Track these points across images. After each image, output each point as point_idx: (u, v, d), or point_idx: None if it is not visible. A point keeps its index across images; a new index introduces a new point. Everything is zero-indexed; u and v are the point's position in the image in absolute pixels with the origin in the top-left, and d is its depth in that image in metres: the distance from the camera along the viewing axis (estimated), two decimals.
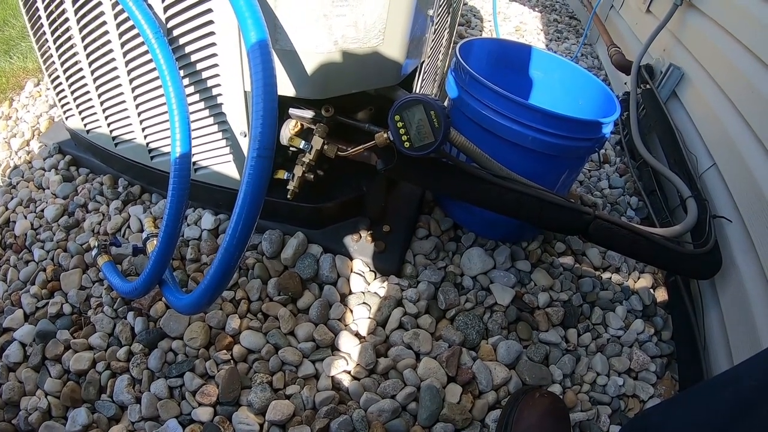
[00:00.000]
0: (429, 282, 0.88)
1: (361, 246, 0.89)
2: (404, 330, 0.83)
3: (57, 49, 0.87)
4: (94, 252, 0.81)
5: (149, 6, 0.68)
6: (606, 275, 1.00)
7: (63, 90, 0.94)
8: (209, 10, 0.66)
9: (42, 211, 0.95)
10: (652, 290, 0.99)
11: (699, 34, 1.29)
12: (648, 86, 1.29)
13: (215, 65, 0.71)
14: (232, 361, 0.76)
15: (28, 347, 0.76)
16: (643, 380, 0.86)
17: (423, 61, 0.89)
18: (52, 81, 0.96)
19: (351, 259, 0.89)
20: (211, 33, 0.68)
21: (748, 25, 1.10)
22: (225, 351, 0.76)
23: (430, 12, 0.82)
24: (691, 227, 0.89)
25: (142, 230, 0.91)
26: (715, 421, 0.50)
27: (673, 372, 0.89)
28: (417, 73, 0.90)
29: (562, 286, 0.94)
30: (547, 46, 2.11)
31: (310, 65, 0.67)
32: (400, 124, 0.71)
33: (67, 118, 1.00)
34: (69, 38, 0.83)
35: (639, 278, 1.01)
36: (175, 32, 0.70)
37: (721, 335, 0.85)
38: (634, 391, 0.84)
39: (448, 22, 1.11)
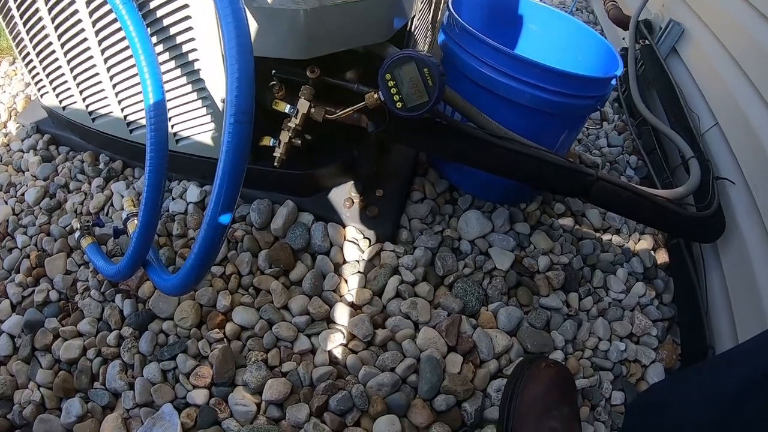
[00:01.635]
0: (425, 248, 0.83)
1: (353, 212, 0.84)
2: (401, 299, 0.78)
3: (24, 24, 0.79)
4: (77, 234, 0.76)
5: None
6: (606, 237, 0.95)
7: (35, 67, 0.87)
8: None
9: (23, 195, 0.89)
10: (652, 252, 0.94)
11: None
12: (647, 42, 1.20)
13: (189, 28, 0.64)
14: (225, 339, 0.72)
15: (17, 339, 0.71)
16: (644, 345, 0.82)
17: (414, 16, 0.81)
18: (23, 58, 0.88)
19: (344, 226, 0.83)
20: (186, 5, 0.60)
21: None
22: (217, 330, 0.72)
23: None
24: (694, 189, 0.84)
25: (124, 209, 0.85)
26: (722, 396, 0.47)
27: (674, 335, 0.85)
28: (408, 28, 0.82)
29: (562, 249, 0.89)
30: None
31: (291, 23, 0.60)
32: (391, 83, 0.64)
33: (42, 96, 0.92)
34: (36, 12, 0.75)
35: (639, 240, 0.96)
36: (150, 5, 0.62)
37: (723, 298, 0.81)
38: (636, 356, 0.80)
39: None
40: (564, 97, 0.73)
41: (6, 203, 0.88)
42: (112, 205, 0.86)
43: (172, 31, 0.66)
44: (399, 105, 0.65)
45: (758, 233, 0.78)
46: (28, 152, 0.96)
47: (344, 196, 0.85)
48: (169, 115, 0.77)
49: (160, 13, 0.64)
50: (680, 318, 0.87)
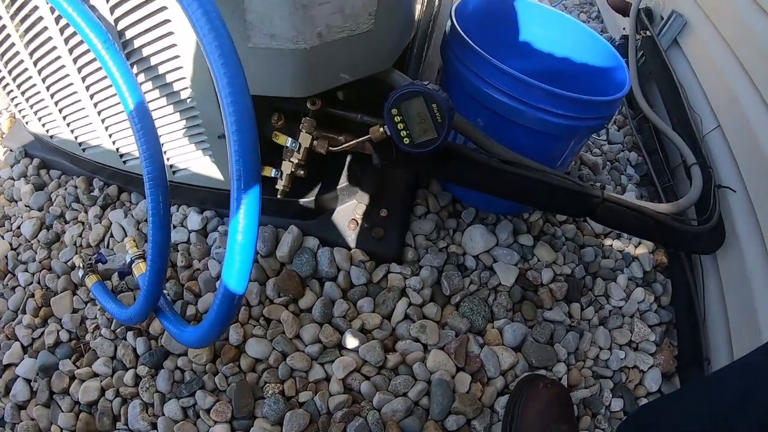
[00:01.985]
0: (431, 267, 0.83)
1: (358, 234, 0.83)
2: (411, 321, 0.79)
3: (1, 56, 0.74)
4: (80, 273, 0.75)
5: (93, 8, 0.55)
6: (607, 242, 0.96)
7: (16, 97, 0.82)
8: (163, 8, 0.54)
9: (19, 228, 0.87)
10: (651, 254, 0.96)
11: None
12: (648, 33, 1.17)
13: (179, 68, 0.60)
14: (240, 373, 0.73)
15: (33, 383, 0.71)
16: (642, 351, 0.85)
17: (415, 33, 0.77)
18: (3, 87, 0.83)
19: (349, 249, 0.83)
20: (170, 33, 0.56)
21: None
22: (232, 364, 0.73)
23: None
24: (695, 200, 0.84)
25: (126, 236, 0.84)
26: (715, 412, 0.49)
27: (672, 338, 0.88)
28: (409, 47, 0.79)
29: (564, 259, 0.90)
30: None
31: (290, 62, 0.57)
32: (398, 119, 0.62)
33: (26, 123, 0.88)
34: (12, 46, 0.70)
35: (639, 243, 0.97)
36: (128, 34, 0.58)
37: (720, 307, 0.84)
38: (634, 363, 0.83)
39: None
40: (570, 120, 0.71)
41: (3, 238, 0.86)
42: (112, 236, 0.84)
43: (161, 70, 0.62)
44: (406, 141, 0.63)
45: (756, 243, 0.79)
46: (19, 180, 0.93)
47: (348, 217, 0.84)
48: (164, 148, 0.74)
49: (146, 52, 0.60)
50: (678, 320, 0.90)
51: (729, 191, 0.87)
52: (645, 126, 1.11)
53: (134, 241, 0.73)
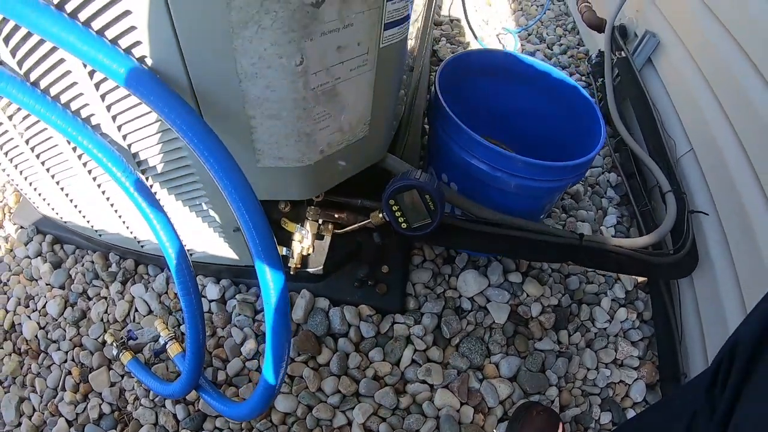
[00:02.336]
0: (431, 313, 0.96)
1: (364, 292, 0.95)
2: (417, 365, 0.92)
3: (11, 156, 0.82)
4: (114, 351, 0.86)
5: (104, 135, 0.64)
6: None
7: (23, 188, 0.90)
8: (176, 139, 0.62)
9: (44, 307, 0.97)
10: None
11: None
12: (623, 54, 1.26)
13: (195, 182, 0.70)
14: (273, 427, 0.86)
15: None
16: (627, 366, 1.00)
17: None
18: (8, 176, 0.90)
19: (357, 305, 0.95)
20: (183, 158, 0.65)
21: None
22: (265, 420, 0.85)
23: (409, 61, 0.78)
24: (669, 229, 0.96)
25: (150, 311, 0.94)
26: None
27: (654, 350, 1.02)
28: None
29: (551, 291, 1.03)
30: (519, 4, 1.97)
31: (297, 176, 0.67)
32: (395, 208, 0.73)
33: (37, 207, 0.96)
34: (21, 150, 0.78)
35: None
36: (142, 155, 0.67)
37: (696, 324, 0.97)
38: (620, 378, 0.98)
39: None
40: (546, 183, 0.82)
41: (30, 318, 0.96)
42: (136, 310, 0.94)
43: (181, 190, 0.71)
44: (404, 226, 0.74)
45: (727, 263, 0.91)
46: (36, 258, 1.02)
47: (353, 277, 0.95)
48: (183, 239, 0.83)
49: (166, 177, 0.69)
50: (658, 343, 1.03)
51: (702, 214, 0.99)
52: (623, 148, 1.21)
53: (164, 322, 0.84)
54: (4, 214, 1.10)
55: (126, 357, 0.86)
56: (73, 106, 0.64)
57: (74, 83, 0.61)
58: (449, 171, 0.88)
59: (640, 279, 1.09)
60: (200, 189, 0.71)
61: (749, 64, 0.95)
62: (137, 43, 0.52)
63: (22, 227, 1.06)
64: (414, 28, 0.76)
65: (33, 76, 0.61)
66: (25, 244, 1.04)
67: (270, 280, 0.56)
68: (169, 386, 0.78)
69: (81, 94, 0.62)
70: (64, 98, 0.63)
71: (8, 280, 1.01)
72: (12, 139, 0.78)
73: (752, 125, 0.92)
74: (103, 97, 0.61)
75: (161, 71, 0.54)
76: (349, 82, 0.59)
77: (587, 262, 0.90)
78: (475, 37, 1.60)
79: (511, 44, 1.69)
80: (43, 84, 0.62)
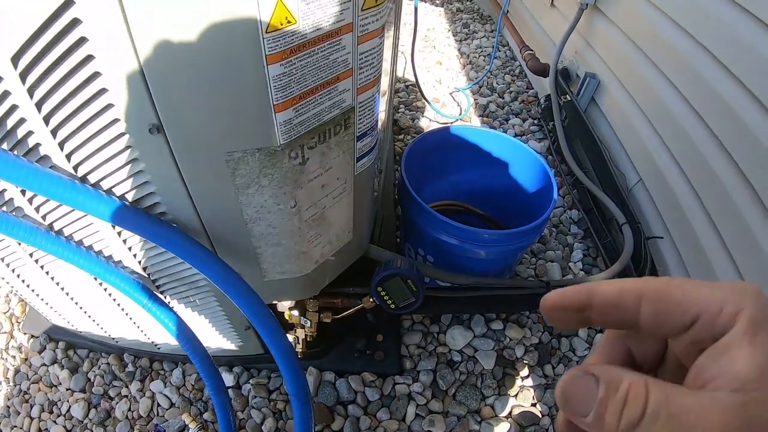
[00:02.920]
0: (427, 370, 1.11)
1: (364, 360, 1.10)
2: (421, 418, 1.07)
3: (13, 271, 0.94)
4: None
5: (124, 267, 0.78)
6: None
7: (32, 302, 1.02)
8: (196, 274, 0.77)
9: (68, 411, 1.08)
10: None
11: (607, 40, 1.44)
12: (569, 98, 1.45)
13: (212, 301, 0.84)
14: None
15: None
16: None
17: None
18: (16, 292, 1.03)
19: (359, 373, 1.09)
20: (203, 286, 0.80)
21: (648, 35, 1.26)
22: None
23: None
24: (629, 258, 1.14)
25: (172, 404, 1.07)
26: None
27: None
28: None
29: (531, 331, 1.19)
30: (459, 49, 2.18)
31: (297, 283, 0.81)
32: (383, 293, 0.88)
33: (49, 319, 1.08)
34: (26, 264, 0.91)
35: None
36: (160, 282, 0.81)
37: None
38: None
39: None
40: (510, 245, 0.99)
41: (56, 423, 1.07)
42: (159, 405, 1.07)
43: (195, 300, 0.86)
44: (392, 306, 0.89)
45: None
46: (52, 365, 1.13)
47: (352, 349, 1.10)
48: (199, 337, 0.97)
49: (177, 291, 0.84)
50: None
51: (658, 240, 1.17)
52: (579, 186, 1.40)
53: (189, 414, 0.97)
54: (12, 324, 1.22)
55: None
56: (96, 246, 0.79)
57: (96, 231, 0.76)
58: (424, 247, 1.04)
59: None
60: (214, 300, 0.85)
61: (680, 96, 1.14)
62: (157, 204, 0.67)
63: (33, 336, 1.18)
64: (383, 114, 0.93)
65: (49, 219, 0.75)
66: (40, 353, 1.15)
67: (292, 377, 0.71)
68: None
69: (103, 238, 0.77)
70: (87, 241, 0.77)
71: (29, 389, 1.12)
72: (20, 258, 0.91)
73: (688, 151, 1.11)
74: (125, 241, 0.76)
75: (179, 222, 0.70)
76: (333, 208, 0.75)
77: None
78: (428, 103, 1.78)
79: (465, 102, 1.89)
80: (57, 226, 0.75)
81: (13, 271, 0.95)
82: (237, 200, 0.66)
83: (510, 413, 1.09)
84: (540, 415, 1.09)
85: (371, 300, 0.90)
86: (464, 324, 1.16)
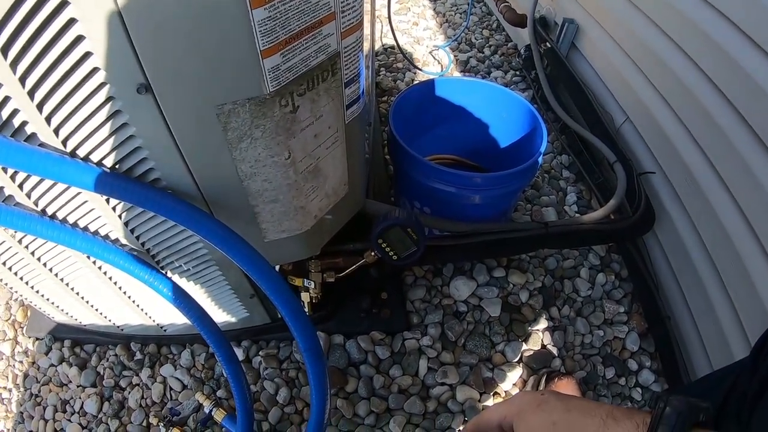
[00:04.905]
0: (434, 323, 1.15)
1: (371, 320, 1.14)
2: (434, 371, 1.12)
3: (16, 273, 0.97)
4: (162, 430, 1.01)
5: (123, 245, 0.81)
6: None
7: (33, 302, 1.04)
8: (196, 243, 0.80)
9: (82, 407, 1.11)
10: None
11: None
12: (548, 45, 1.49)
13: (215, 270, 0.87)
14: None
15: None
16: (617, 323, 1.21)
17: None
18: (15, 292, 1.05)
19: (368, 333, 1.13)
20: (203, 255, 0.83)
21: None
22: None
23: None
24: (623, 195, 1.18)
25: (184, 386, 1.10)
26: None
27: (637, 302, 1.24)
28: None
29: (534, 276, 1.24)
30: (434, 9, 2.22)
31: (299, 241, 0.85)
32: (384, 245, 0.92)
33: (52, 317, 1.11)
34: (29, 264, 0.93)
35: None
36: (160, 256, 0.84)
37: (668, 271, 1.19)
38: (614, 335, 1.19)
39: None
40: (503, 189, 1.03)
41: (71, 421, 1.10)
42: (171, 389, 1.10)
43: (194, 272, 0.88)
44: (394, 258, 0.93)
45: (681, 211, 1.13)
46: (60, 365, 1.16)
47: (358, 310, 1.14)
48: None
49: (178, 264, 0.86)
50: (639, 295, 1.25)
51: (650, 175, 1.22)
52: (567, 130, 1.45)
53: (203, 393, 1.00)
54: (16, 330, 1.24)
55: None
56: (92, 227, 0.81)
57: (91, 209, 0.78)
58: (420, 198, 1.08)
59: (611, 244, 1.32)
60: (216, 270, 0.88)
61: (660, 31, 1.18)
62: (151, 170, 0.70)
63: (38, 338, 1.20)
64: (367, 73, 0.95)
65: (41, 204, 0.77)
66: (46, 354, 1.18)
67: (304, 334, 0.75)
68: None
69: (98, 216, 0.79)
70: (82, 222, 0.80)
71: (39, 391, 1.14)
72: (17, 253, 0.93)
73: (673, 85, 1.15)
74: (120, 216, 0.78)
75: (174, 188, 0.72)
76: (327, 158, 0.78)
77: (557, 245, 1.12)
78: (411, 63, 1.82)
79: (445, 59, 1.92)
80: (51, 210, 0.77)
81: (10, 269, 0.97)
82: (231, 156, 0.69)
83: (521, 358, 1.14)
84: (551, 357, 1.15)
85: (373, 254, 0.94)
86: (467, 274, 1.21)
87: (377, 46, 2.00)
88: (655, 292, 1.21)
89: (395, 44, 1.71)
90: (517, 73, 1.77)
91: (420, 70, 1.84)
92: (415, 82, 1.55)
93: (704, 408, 0.35)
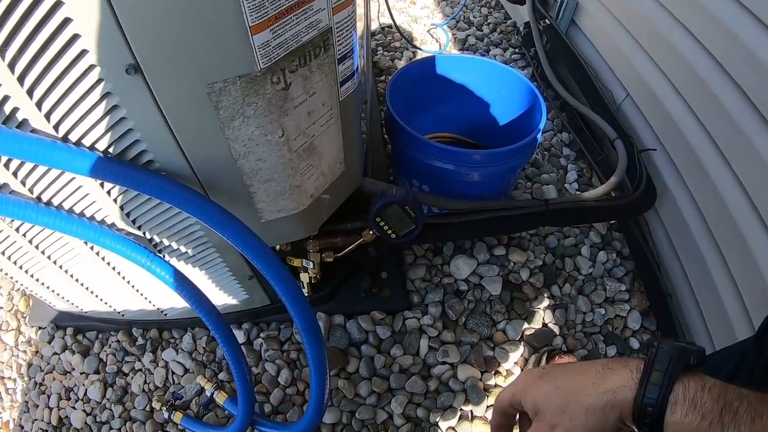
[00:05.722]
0: (435, 302, 1.17)
1: (371, 300, 1.15)
2: (435, 350, 1.13)
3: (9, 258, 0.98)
4: (165, 414, 1.03)
5: (120, 229, 0.82)
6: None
7: (35, 291, 1.06)
8: (192, 225, 0.81)
9: (86, 394, 1.13)
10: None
11: None
12: (548, 21, 1.48)
13: (212, 252, 0.88)
14: None
15: None
16: (619, 301, 1.22)
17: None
18: (17, 281, 1.06)
19: (368, 313, 1.15)
20: (200, 237, 0.84)
21: None
22: None
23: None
24: (624, 172, 1.18)
25: (186, 370, 1.12)
26: None
27: (639, 280, 1.25)
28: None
29: (534, 254, 1.25)
30: None
31: (296, 220, 0.86)
32: (382, 223, 0.93)
33: (53, 305, 1.12)
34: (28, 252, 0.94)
35: None
36: (157, 238, 0.85)
37: (668, 245, 1.20)
38: (615, 313, 1.20)
39: None
40: (502, 166, 1.03)
41: (75, 408, 1.12)
42: (173, 373, 1.12)
43: (191, 253, 0.89)
44: (393, 236, 0.94)
45: (682, 188, 1.13)
46: (63, 352, 1.18)
47: (358, 289, 1.15)
48: None
49: (175, 246, 0.87)
50: (641, 273, 1.26)
51: (651, 152, 1.22)
52: (567, 108, 1.44)
53: (205, 377, 1.02)
54: (18, 320, 1.25)
55: (178, 416, 1.03)
56: (88, 212, 0.82)
57: (86, 194, 0.79)
58: (418, 177, 1.08)
59: (612, 221, 1.33)
60: (214, 252, 0.89)
61: (660, 6, 1.17)
62: (144, 153, 0.70)
63: (41, 327, 1.22)
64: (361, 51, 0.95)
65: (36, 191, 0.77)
66: (49, 342, 1.20)
67: (301, 314, 0.76)
68: (226, 429, 0.97)
69: (94, 201, 0.80)
70: (77, 208, 0.80)
71: (43, 380, 1.16)
72: (15, 242, 0.94)
73: (674, 61, 1.15)
74: (115, 200, 0.79)
75: (168, 170, 0.73)
76: (322, 136, 0.79)
77: (558, 222, 1.12)
78: (409, 42, 1.81)
79: (443, 37, 1.91)
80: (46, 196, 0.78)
81: (9, 258, 0.98)
82: (223, 136, 0.69)
83: (522, 336, 1.16)
84: (552, 335, 1.16)
85: (371, 232, 0.95)
86: (467, 253, 1.22)
87: (374, 26, 1.99)
88: (657, 270, 1.22)
89: (392, 23, 1.70)
90: (516, 50, 1.76)
91: (418, 49, 1.83)
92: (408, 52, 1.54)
93: (695, 351, 0.36)
